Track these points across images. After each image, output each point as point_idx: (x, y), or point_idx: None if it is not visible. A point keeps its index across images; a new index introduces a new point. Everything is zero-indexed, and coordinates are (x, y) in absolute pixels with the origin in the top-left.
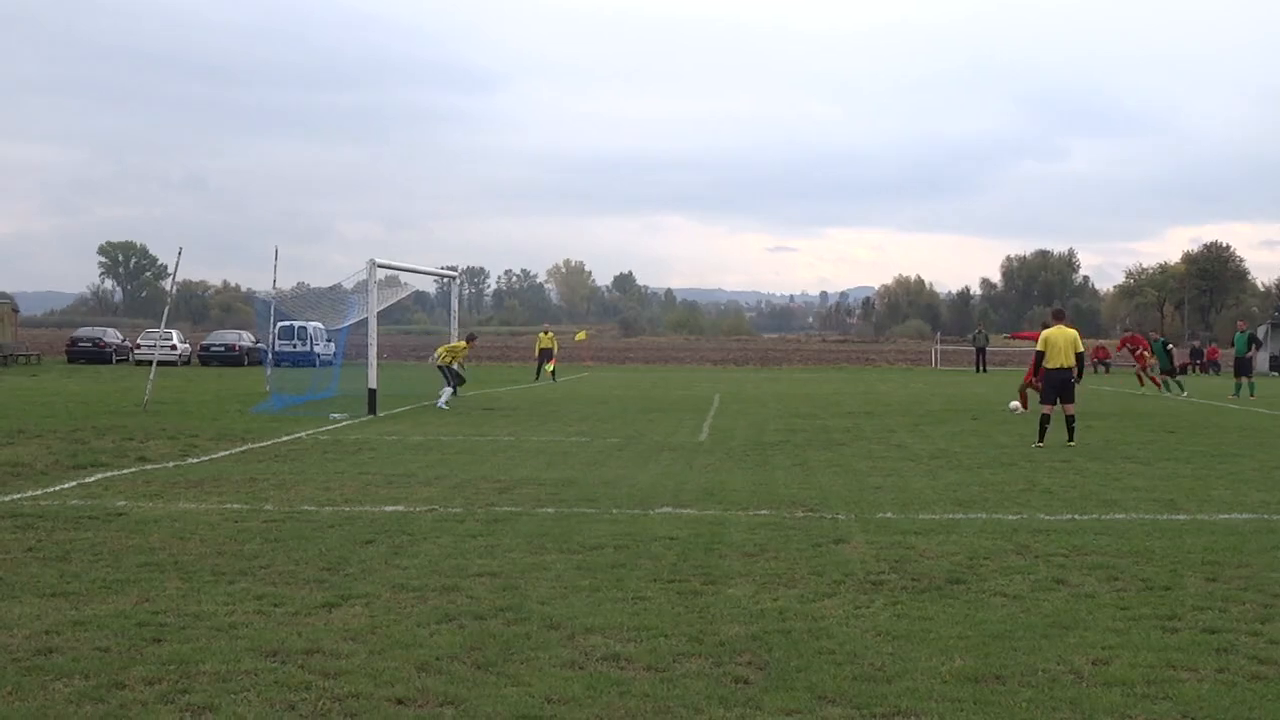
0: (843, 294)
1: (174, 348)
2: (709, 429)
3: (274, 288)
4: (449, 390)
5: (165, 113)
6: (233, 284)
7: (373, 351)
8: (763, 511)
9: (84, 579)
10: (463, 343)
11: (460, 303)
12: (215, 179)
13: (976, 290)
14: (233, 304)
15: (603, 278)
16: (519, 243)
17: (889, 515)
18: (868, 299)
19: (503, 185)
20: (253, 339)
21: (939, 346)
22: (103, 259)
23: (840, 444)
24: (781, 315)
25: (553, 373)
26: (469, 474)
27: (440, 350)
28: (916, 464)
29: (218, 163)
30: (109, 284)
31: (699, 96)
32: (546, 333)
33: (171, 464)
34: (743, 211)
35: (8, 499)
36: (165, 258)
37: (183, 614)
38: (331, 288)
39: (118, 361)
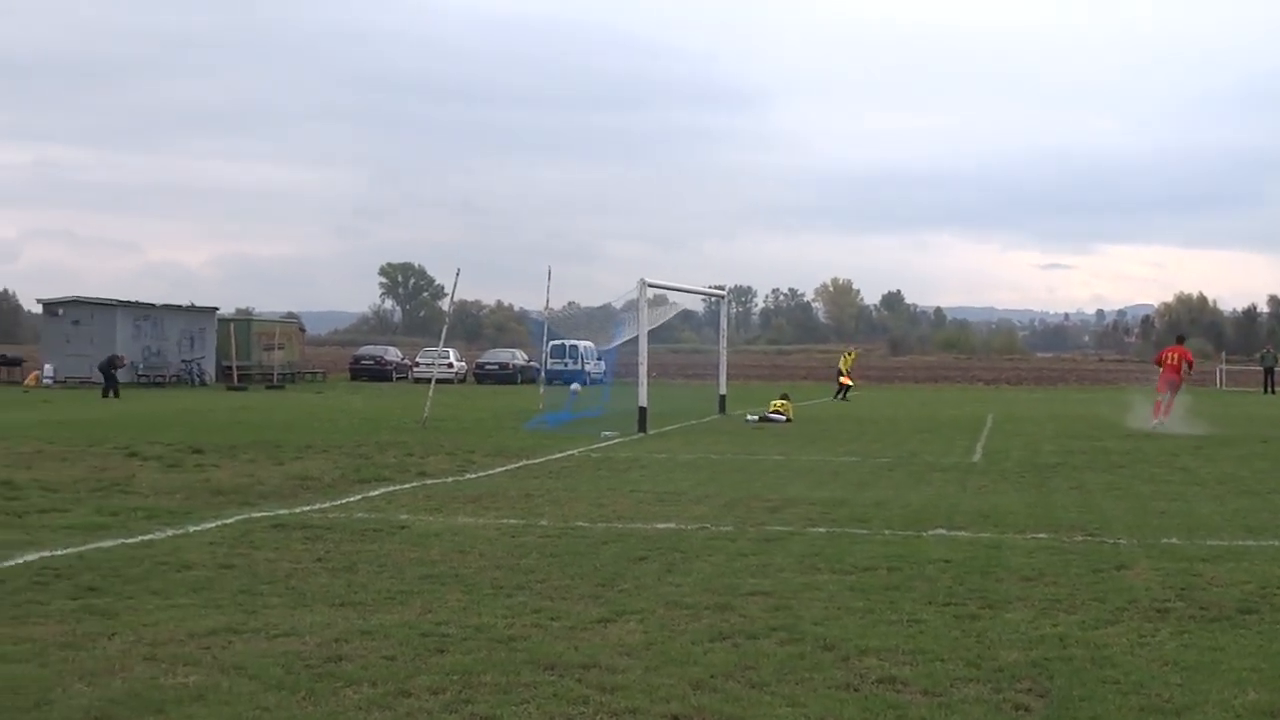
0: (1120, 312)
1: (451, 366)
2: (982, 450)
3: (546, 307)
4: (755, 418)
5: (438, 138)
6: (506, 303)
7: (643, 370)
8: (1040, 535)
9: (370, 589)
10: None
11: (728, 321)
12: (487, 201)
13: (1264, 308)
14: (506, 323)
15: (871, 296)
16: (786, 261)
17: (1174, 541)
18: (1146, 317)
19: (770, 203)
20: (526, 357)
21: (1224, 366)
22: (383, 280)
23: (1120, 466)
24: (1055, 334)
25: (839, 391)
26: (739, 492)
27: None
28: (1203, 488)
29: (489, 185)
30: (389, 304)
31: (966, 110)
32: (849, 353)
33: (450, 479)
34: (1013, 228)
35: (298, 511)
36: (442, 278)
37: (464, 625)
38: (601, 307)
39: (397, 379)
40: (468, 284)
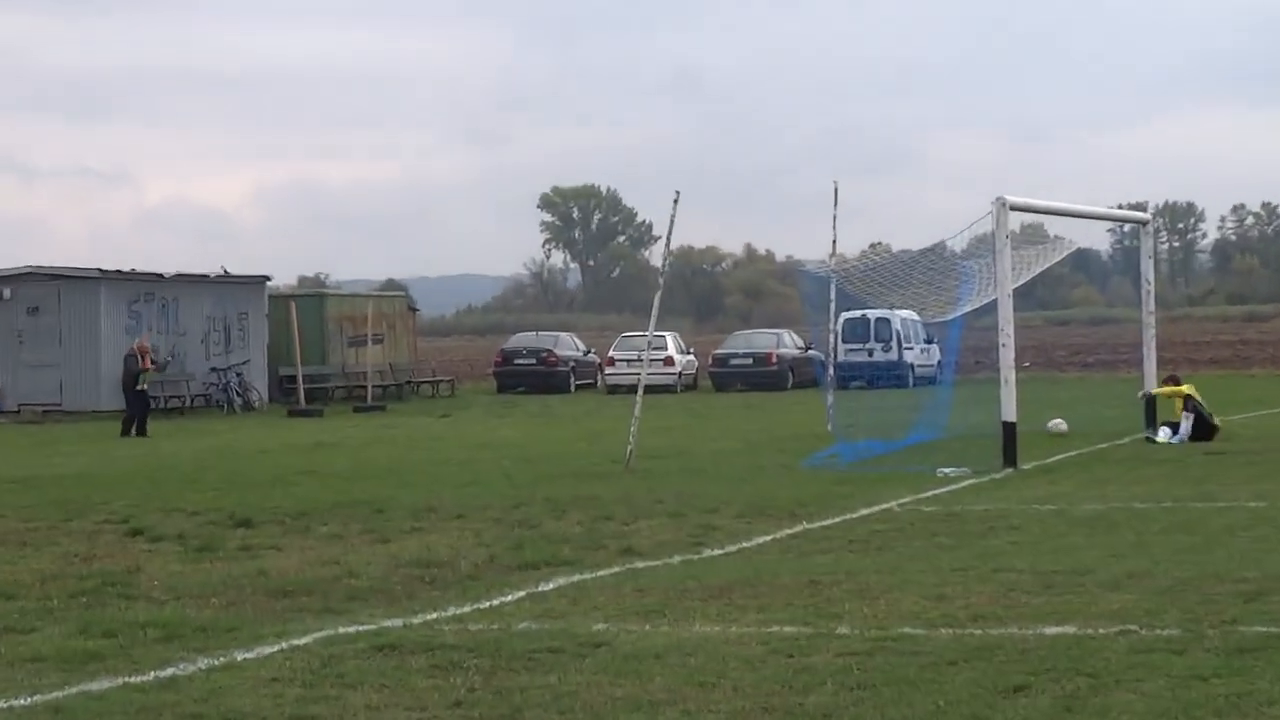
0: None
1: (669, 361)
2: None
3: (831, 254)
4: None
5: None
6: (760, 250)
7: (1007, 357)
8: None
9: None
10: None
11: (1154, 266)
12: (712, 71)
13: None
14: (762, 284)
15: None
16: (1255, 159)
17: None
18: None
19: (1218, 59)
20: (801, 343)
21: None
22: (546, 217)
23: None
24: None
25: None
26: (1188, 569)
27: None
28: None
29: (719, 49)
30: (558, 258)
31: None
32: None
33: (677, 559)
34: None
35: (418, 620)
36: (647, 211)
37: None
38: (929, 250)
39: (578, 387)
40: (692, 218)
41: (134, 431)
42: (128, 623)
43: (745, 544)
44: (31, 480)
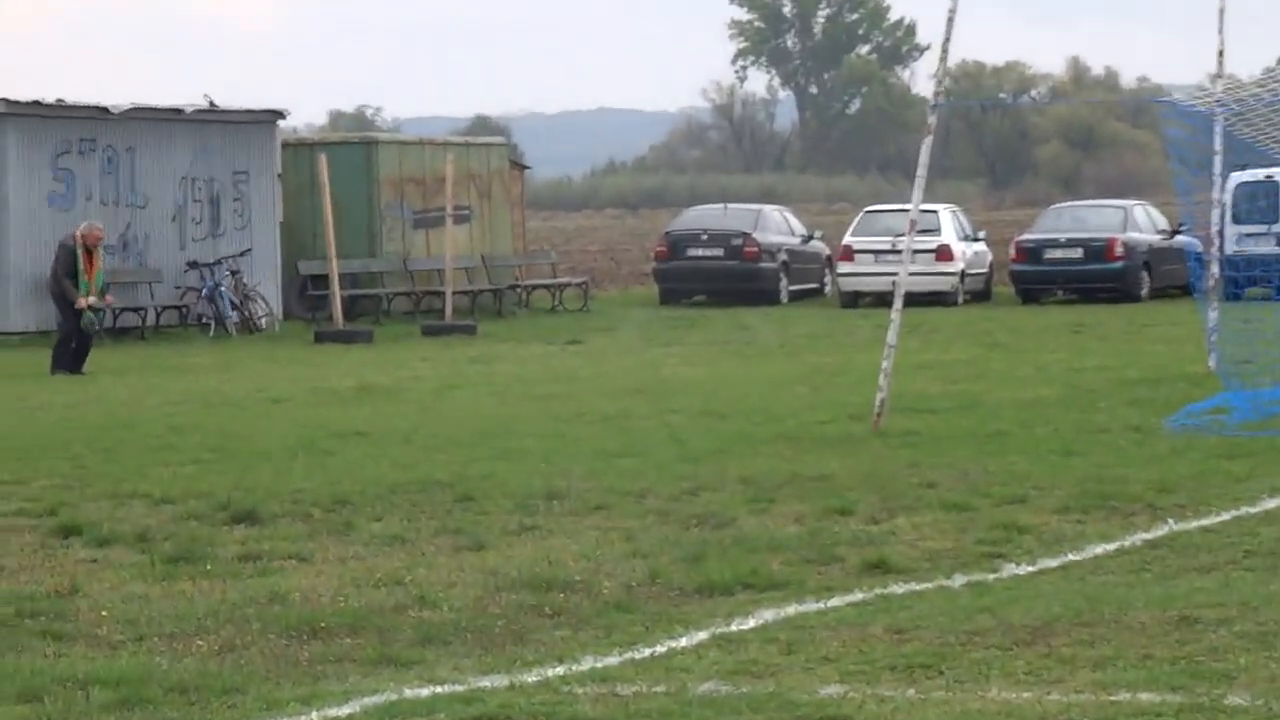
0: None
1: (944, 253)
2: None
3: (1215, 75)
4: None
5: None
6: (1093, 69)
7: None
8: None
9: None
10: None
11: None
12: None
13: None
14: (1099, 127)
15: None
16: None
17: None
18: None
19: None
20: (1163, 225)
21: None
22: (738, 14)
23: None
24: None
25: None
26: None
27: None
28: None
29: None
30: (758, 82)
31: None
32: None
33: (958, 580)
34: None
35: (530, 678)
36: (904, 4)
37: None
38: None
39: (794, 295)
40: (983, 17)
41: (69, 365)
42: (59, 678)
43: (1072, 556)
44: None
